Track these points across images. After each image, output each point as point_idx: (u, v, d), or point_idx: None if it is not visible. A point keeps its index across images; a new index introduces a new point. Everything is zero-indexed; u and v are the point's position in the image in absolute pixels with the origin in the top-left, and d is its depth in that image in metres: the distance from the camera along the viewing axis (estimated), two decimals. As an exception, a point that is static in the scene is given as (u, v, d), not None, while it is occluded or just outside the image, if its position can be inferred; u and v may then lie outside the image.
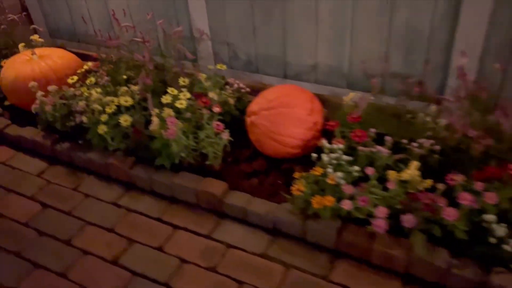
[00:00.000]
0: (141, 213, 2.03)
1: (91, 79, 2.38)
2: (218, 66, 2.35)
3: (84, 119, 2.18)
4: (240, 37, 2.50)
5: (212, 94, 2.17)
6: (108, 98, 2.20)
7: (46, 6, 3.15)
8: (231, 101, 2.23)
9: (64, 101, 2.32)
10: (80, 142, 2.36)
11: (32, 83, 2.37)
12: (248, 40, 2.49)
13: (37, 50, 2.64)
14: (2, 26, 2.95)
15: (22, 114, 2.64)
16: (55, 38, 3.28)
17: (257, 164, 2.08)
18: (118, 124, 2.14)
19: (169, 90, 2.18)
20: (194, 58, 2.37)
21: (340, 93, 2.35)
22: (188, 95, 2.16)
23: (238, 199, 1.92)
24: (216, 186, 1.97)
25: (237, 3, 2.38)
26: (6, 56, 2.92)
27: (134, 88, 2.25)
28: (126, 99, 2.16)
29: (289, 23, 2.30)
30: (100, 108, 2.17)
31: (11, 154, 2.47)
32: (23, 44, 2.86)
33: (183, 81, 2.28)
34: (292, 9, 2.24)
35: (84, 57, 2.93)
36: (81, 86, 2.41)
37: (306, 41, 2.31)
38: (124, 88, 2.26)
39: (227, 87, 2.32)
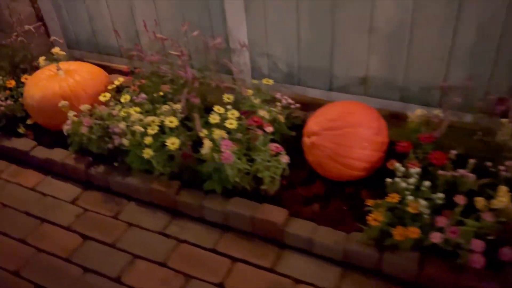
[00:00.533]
0: (193, 244, 1.87)
1: (126, 97, 2.21)
2: (265, 81, 2.19)
3: (125, 142, 2.01)
4: (283, 48, 2.35)
5: (262, 112, 2.01)
6: (149, 118, 2.04)
7: (64, 16, 2.96)
8: (281, 118, 2.08)
9: (99, 122, 2.15)
10: (115, 164, 2.19)
11: (63, 102, 2.19)
12: (291, 51, 2.33)
13: (62, 65, 2.46)
14: (20, 38, 2.76)
15: (46, 134, 2.46)
16: (73, 49, 3.10)
17: (316, 187, 1.93)
18: (161, 147, 1.99)
19: (216, 108, 2.03)
20: (238, 72, 2.20)
21: (391, 106, 2.22)
22: (237, 113, 2.01)
23: (301, 228, 1.77)
24: (275, 214, 1.82)
25: (281, 12, 2.22)
26: (25, 71, 2.74)
27: (176, 106, 2.09)
28: (171, 119, 1.99)
29: (338, 33, 2.15)
30: (142, 129, 2.01)
31: (39, 179, 2.29)
32: (43, 57, 2.68)
33: (227, 97, 2.12)
34: (343, 18, 2.10)
35: (106, 70, 2.75)
36: (116, 104, 2.24)
37: (356, 52, 2.16)
38: (166, 107, 2.10)
39: (276, 103, 2.16)
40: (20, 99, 2.53)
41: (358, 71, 2.22)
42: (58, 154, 2.27)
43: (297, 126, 2.13)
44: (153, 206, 2.07)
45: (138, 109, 2.11)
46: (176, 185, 2.01)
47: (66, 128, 2.16)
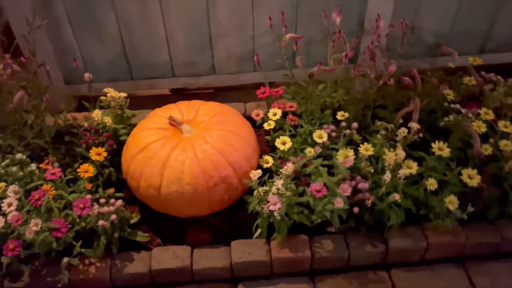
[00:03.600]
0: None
1: (322, 134, 1.51)
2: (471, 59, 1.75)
3: (397, 197, 1.37)
4: (436, 16, 1.93)
5: (516, 102, 1.62)
6: (400, 153, 1.43)
7: (65, 33, 1.83)
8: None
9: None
10: (330, 230, 1.53)
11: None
12: (447, 17, 1.94)
13: (162, 113, 1.53)
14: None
15: (178, 230, 1.56)
16: (74, 84, 1.98)
17: None
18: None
19: (484, 111, 1.53)
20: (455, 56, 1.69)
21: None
22: (492, 114, 1.56)
23: None
24: None
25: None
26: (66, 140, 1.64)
27: (414, 125, 1.51)
28: (440, 146, 1.43)
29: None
30: (407, 172, 1.40)
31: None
32: (98, 112, 1.64)
33: (447, 93, 1.63)
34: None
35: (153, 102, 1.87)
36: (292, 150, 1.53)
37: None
38: (404, 130, 1.50)
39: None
40: (110, 190, 1.50)
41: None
42: (250, 250, 1.45)
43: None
44: (425, 264, 1.52)
45: (368, 146, 1.46)
46: (457, 228, 1.50)
47: (277, 208, 1.36)
